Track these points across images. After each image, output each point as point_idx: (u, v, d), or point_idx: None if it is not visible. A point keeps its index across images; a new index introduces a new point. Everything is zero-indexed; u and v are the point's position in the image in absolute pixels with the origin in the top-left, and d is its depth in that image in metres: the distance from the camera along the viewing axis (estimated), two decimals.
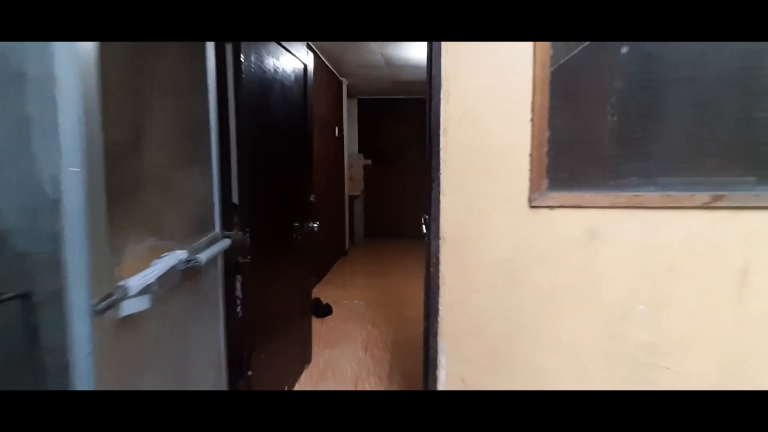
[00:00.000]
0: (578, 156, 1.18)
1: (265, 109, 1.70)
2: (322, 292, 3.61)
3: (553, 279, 1.20)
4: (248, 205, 1.52)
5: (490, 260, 1.22)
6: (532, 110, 1.16)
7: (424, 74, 1.39)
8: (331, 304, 3.22)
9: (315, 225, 2.21)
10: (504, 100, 1.17)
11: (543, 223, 1.19)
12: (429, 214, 1.27)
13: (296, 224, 2.09)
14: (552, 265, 1.20)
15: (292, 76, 2.00)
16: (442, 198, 1.22)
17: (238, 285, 1.48)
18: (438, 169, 1.21)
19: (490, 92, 1.18)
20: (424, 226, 1.36)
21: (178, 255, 0.87)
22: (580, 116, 1.18)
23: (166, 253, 0.86)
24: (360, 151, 6.13)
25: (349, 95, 5.73)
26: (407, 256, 4.98)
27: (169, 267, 0.81)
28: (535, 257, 1.20)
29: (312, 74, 2.40)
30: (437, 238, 1.24)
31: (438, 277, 1.25)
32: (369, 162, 6.17)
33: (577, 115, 1.18)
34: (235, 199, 1.44)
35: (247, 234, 1.45)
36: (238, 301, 1.48)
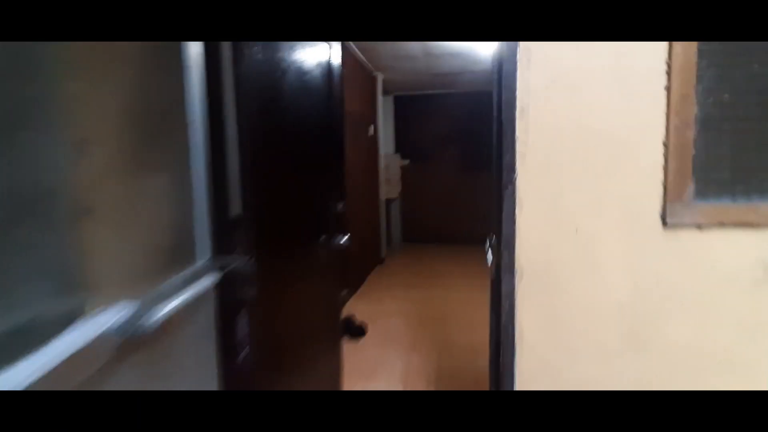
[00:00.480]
0: (750, 143, 0.73)
1: (277, 100, 1.37)
2: (355, 306, 3.27)
3: (702, 339, 0.76)
4: (254, 218, 1.19)
5: (597, 307, 0.79)
6: (669, 70, 0.72)
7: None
8: (365, 322, 2.87)
9: (345, 239, 1.86)
10: (619, 58, 0.74)
11: (686, 250, 0.75)
12: (497, 236, 0.87)
13: (322, 238, 1.76)
14: (701, 317, 0.76)
15: (315, 65, 1.67)
16: (518, 212, 0.82)
17: (241, 324, 1.15)
18: (512, 169, 0.81)
19: (594, 47, 0.75)
20: (488, 251, 0.96)
21: (100, 323, 0.53)
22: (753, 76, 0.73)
23: (81, 319, 0.53)
24: (396, 151, 5.76)
25: (384, 92, 5.38)
26: (449, 264, 4.54)
27: (75, 351, 0.48)
28: (671, 303, 0.76)
29: (339, 64, 2.06)
30: (511, 271, 0.83)
31: (512, 329, 0.84)
32: (406, 162, 5.79)
33: (748, 75, 0.73)
34: (236, 212, 1.11)
35: (253, 258, 1.13)
36: (242, 346, 1.14)
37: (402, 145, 5.76)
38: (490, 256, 0.95)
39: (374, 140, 4.45)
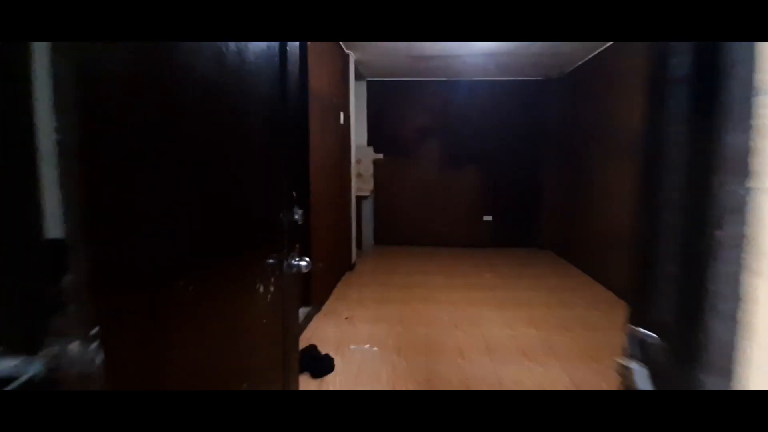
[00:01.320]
0: None
1: (182, 91, 0.78)
2: (320, 329, 2.72)
3: None
4: (95, 248, 0.60)
5: None
6: None
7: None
8: (333, 352, 2.32)
9: (304, 263, 1.31)
10: None
11: None
12: (674, 334, 0.35)
13: (270, 261, 1.20)
14: None
15: (263, 46, 1.09)
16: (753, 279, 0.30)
17: None
18: (743, 193, 0.29)
19: None
20: (623, 369, 0.43)
21: None
22: None
23: None
24: (370, 143, 5.21)
25: (357, 76, 4.80)
26: (428, 270, 4.08)
27: None
28: None
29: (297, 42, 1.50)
30: None
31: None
32: (380, 156, 5.26)
33: None
34: (55, 233, 0.52)
35: (94, 336, 0.53)
36: None
37: (376, 137, 5.22)
38: (623, 375, 0.43)
39: (346, 129, 3.88)
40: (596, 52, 3.90)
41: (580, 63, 4.27)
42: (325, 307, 3.09)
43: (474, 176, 5.17)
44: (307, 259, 1.33)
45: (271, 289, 1.19)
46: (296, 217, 1.34)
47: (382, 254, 4.86)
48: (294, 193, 1.34)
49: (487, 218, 5.22)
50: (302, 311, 2.78)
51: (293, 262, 1.31)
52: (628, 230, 3.26)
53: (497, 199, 5.17)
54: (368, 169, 5.21)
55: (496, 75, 4.86)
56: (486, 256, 4.81)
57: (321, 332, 2.66)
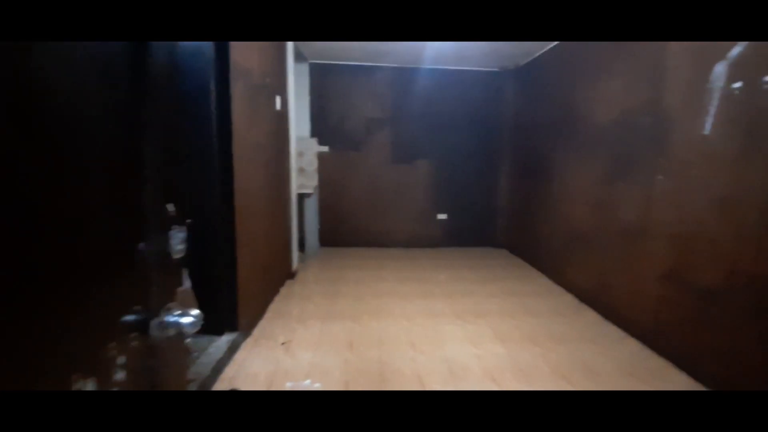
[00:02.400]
0: None
1: None
2: (249, 362, 2.20)
3: None
4: None
5: None
6: None
7: None
8: (266, 389, 1.82)
9: (188, 319, 0.81)
10: None
11: None
12: None
13: (126, 319, 0.71)
14: None
15: None
16: None
17: None
18: None
19: None
20: None
21: None
22: None
23: None
24: (313, 134, 4.67)
25: (298, 57, 4.23)
26: (381, 276, 3.67)
27: None
28: None
29: None
30: None
31: None
32: (325, 149, 4.74)
33: None
34: None
35: None
36: None
37: (320, 128, 4.69)
38: None
39: (283, 117, 3.33)
40: (553, 44, 3.69)
41: (537, 54, 4.06)
42: (256, 331, 2.56)
43: (427, 172, 4.83)
44: (196, 312, 0.84)
45: (117, 377, 0.69)
46: (174, 245, 0.84)
47: (329, 258, 4.37)
48: (172, 208, 0.84)
49: (442, 216, 4.92)
50: (225, 340, 2.24)
51: (169, 319, 0.81)
52: (590, 229, 3.07)
53: (452, 196, 4.89)
54: (312, 164, 4.67)
55: (450, 64, 4.54)
56: (441, 256, 4.50)
57: (249, 367, 2.14)
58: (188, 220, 1.95)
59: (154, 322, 0.78)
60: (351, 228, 4.86)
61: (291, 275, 3.61)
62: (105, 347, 0.65)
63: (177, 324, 0.81)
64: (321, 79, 4.59)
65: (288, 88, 3.41)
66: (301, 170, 4.67)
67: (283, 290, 3.31)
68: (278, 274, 3.30)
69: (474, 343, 2.46)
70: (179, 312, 0.83)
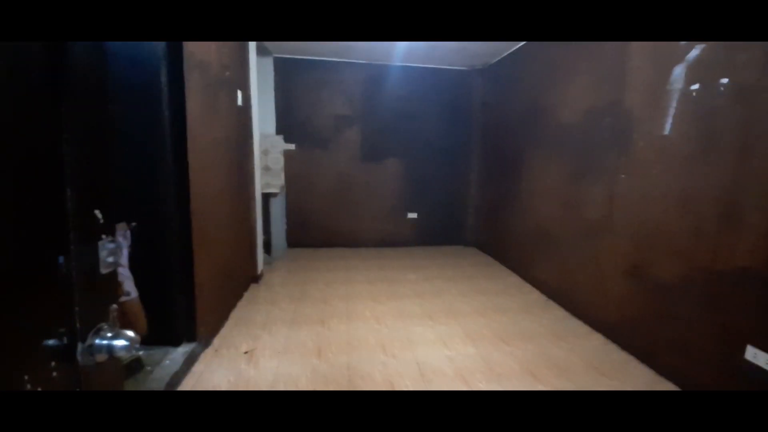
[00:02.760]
0: None
1: None
2: (207, 375, 2.06)
3: None
4: None
5: None
6: None
7: None
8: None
9: (121, 342, 0.70)
10: None
11: None
12: None
13: (48, 343, 0.60)
14: None
15: None
16: None
17: None
18: None
19: None
20: None
21: None
22: None
23: None
24: (279, 131, 4.50)
25: (261, 51, 4.06)
26: (349, 276, 3.58)
27: None
28: None
29: None
30: None
31: None
32: (292, 147, 4.58)
33: None
34: None
35: None
36: None
37: (287, 125, 4.53)
38: None
39: (246, 113, 3.17)
40: (521, 44, 3.73)
41: (505, 54, 4.09)
42: (216, 340, 2.41)
43: (397, 170, 4.78)
44: (130, 334, 0.73)
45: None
46: (104, 257, 0.72)
47: (296, 259, 4.23)
48: (100, 216, 0.72)
49: (412, 215, 4.89)
50: (182, 351, 2.09)
51: (99, 342, 0.70)
52: (556, 227, 3.12)
53: (422, 194, 4.87)
54: (278, 162, 4.51)
55: (420, 61, 4.51)
56: (411, 256, 4.47)
57: (208, 380, 2.00)
58: (133, 224, 1.79)
59: (81, 347, 0.67)
60: (319, 228, 4.74)
61: (256, 279, 3.45)
62: (18, 379, 0.54)
63: (109, 348, 0.70)
64: (287, 74, 4.43)
65: (250, 83, 3.24)
66: (266, 169, 4.50)
67: (247, 295, 3.15)
68: (242, 278, 3.14)
69: (445, 344, 2.43)
70: (111, 333, 0.71)
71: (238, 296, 3.03)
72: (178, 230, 2.08)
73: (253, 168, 3.33)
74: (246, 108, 3.18)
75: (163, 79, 1.97)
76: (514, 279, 3.73)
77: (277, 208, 4.29)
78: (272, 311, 2.86)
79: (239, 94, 2.99)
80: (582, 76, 2.81)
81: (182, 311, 2.14)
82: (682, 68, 1.99)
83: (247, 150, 3.21)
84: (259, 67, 4.08)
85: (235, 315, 2.77)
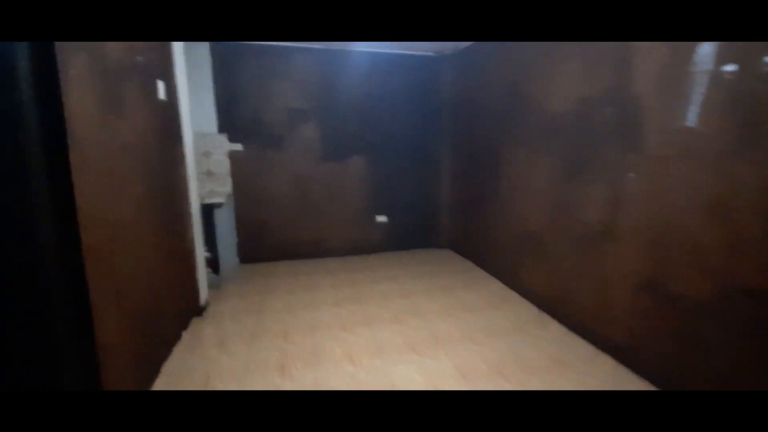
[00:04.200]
0: None
1: None
2: None
3: None
4: None
5: None
6: None
7: None
8: None
9: None
10: None
11: None
12: None
13: None
14: None
15: None
16: None
17: None
18: None
19: None
20: None
21: None
22: None
23: None
24: (222, 130, 3.85)
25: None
26: (315, 297, 3.06)
27: None
28: None
29: None
30: None
31: None
32: (238, 147, 3.94)
33: None
34: None
35: None
36: None
37: (231, 122, 3.88)
38: None
39: (170, 109, 2.53)
40: None
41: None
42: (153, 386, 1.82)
43: (363, 169, 4.28)
44: None
45: None
46: None
47: (251, 279, 3.64)
48: None
49: (381, 218, 4.42)
50: None
51: None
52: (545, 230, 2.77)
53: (391, 195, 4.40)
54: (222, 165, 3.86)
55: (382, 47, 4.00)
56: (382, 264, 4.01)
57: None
58: None
59: None
60: (276, 239, 4.15)
61: (199, 311, 2.85)
62: None
63: None
64: (228, 62, 3.77)
65: (176, 71, 2.60)
66: (208, 174, 3.84)
67: (186, 336, 2.55)
68: (178, 315, 2.53)
69: (436, 386, 1.99)
70: None
71: (174, 339, 2.43)
72: (64, 271, 1.47)
73: (186, 176, 2.70)
74: (172, 103, 2.54)
75: (22, 63, 1.34)
76: (497, 286, 3.38)
77: (225, 219, 3.66)
78: (218, 358, 2.29)
79: (160, 85, 2.35)
80: (575, 58, 2.43)
81: (77, 381, 1.54)
82: (711, 46, 1.63)
83: (175, 154, 2.58)
84: (191, 53, 3.40)
85: (168, 368, 2.17)
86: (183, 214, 2.66)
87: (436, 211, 4.58)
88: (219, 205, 3.50)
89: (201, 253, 2.95)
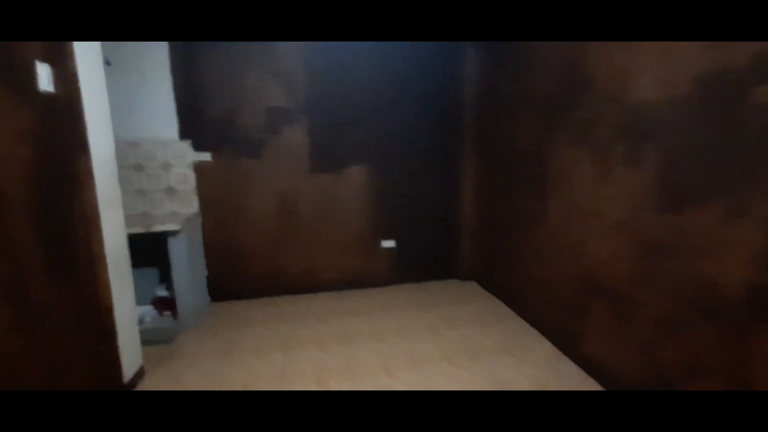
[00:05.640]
0: None
1: None
2: None
3: None
4: None
5: None
6: None
7: None
8: None
9: None
10: None
11: None
12: None
13: None
14: None
15: None
16: None
17: None
18: None
19: None
20: None
21: None
22: None
23: None
24: (185, 135, 3.05)
25: None
26: (302, 365, 2.20)
27: None
28: None
29: None
30: None
31: None
32: (207, 157, 3.14)
33: None
34: None
35: None
36: None
37: (195, 126, 3.08)
38: None
39: (64, 106, 1.72)
40: None
41: None
42: None
43: (363, 182, 3.41)
44: None
45: None
46: None
47: (217, 327, 2.81)
48: None
49: (388, 243, 3.54)
50: None
51: None
52: (628, 281, 1.83)
53: (400, 214, 3.52)
54: (186, 180, 3.07)
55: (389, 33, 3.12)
56: (392, 305, 3.12)
57: None
58: None
59: None
60: (256, 271, 3.32)
61: (126, 386, 2.02)
62: None
63: None
64: (190, 48, 2.98)
65: (75, 50, 1.79)
66: (169, 191, 3.05)
67: None
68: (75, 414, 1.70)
69: None
70: None
71: None
72: None
73: (95, 203, 1.88)
74: (68, 97, 1.73)
75: None
76: (545, 349, 2.44)
77: (188, 248, 2.84)
78: None
79: (42, 70, 1.55)
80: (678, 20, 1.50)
81: None
82: None
83: (75, 173, 1.77)
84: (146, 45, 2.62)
85: None
86: (90, 258, 1.84)
87: (456, 232, 3.67)
88: (173, 233, 2.69)
89: (128, 306, 2.13)
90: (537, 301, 2.65)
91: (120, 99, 2.83)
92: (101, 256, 1.89)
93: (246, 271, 3.30)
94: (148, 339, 2.61)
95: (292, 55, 3.13)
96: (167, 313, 2.94)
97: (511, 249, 2.97)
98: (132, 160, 2.95)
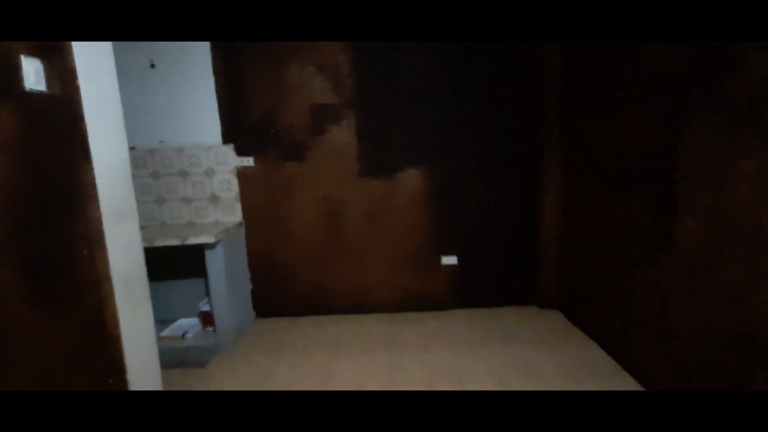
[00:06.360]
0: None
1: None
2: None
3: None
4: None
5: None
6: None
7: None
8: None
9: None
10: None
11: None
12: None
13: None
14: None
15: None
16: None
17: None
18: None
19: None
20: None
21: None
22: None
23: None
24: (227, 140, 2.85)
25: None
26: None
27: None
28: None
29: None
30: None
31: None
32: (249, 162, 2.90)
33: None
34: None
35: None
36: None
37: (236, 130, 2.86)
38: None
39: (61, 107, 1.50)
40: None
41: None
42: None
43: (421, 188, 2.92)
44: None
45: None
46: None
47: (254, 349, 2.54)
48: None
49: (449, 260, 3.00)
50: None
51: None
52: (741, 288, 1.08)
53: (463, 226, 2.96)
54: (230, 187, 2.87)
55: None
56: (451, 337, 2.59)
57: None
58: None
59: None
60: (300, 287, 3.01)
61: None
62: None
63: None
64: (230, 46, 2.76)
65: (73, 42, 1.58)
66: (213, 199, 2.87)
67: None
68: None
69: None
70: None
71: None
72: None
73: (95, 220, 1.66)
74: (66, 98, 1.52)
75: None
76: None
77: (221, 263, 2.62)
78: None
79: (29, 65, 1.34)
80: None
81: None
82: None
83: (76, 183, 1.55)
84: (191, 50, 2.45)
85: None
86: (94, 281, 1.62)
87: (534, 249, 2.99)
88: (210, 246, 2.48)
89: (145, 332, 1.91)
90: (656, 355, 1.91)
91: (163, 103, 2.71)
92: (106, 278, 1.67)
93: (289, 285, 3.01)
94: (183, 359, 2.42)
95: (338, 45, 2.76)
96: (210, 328, 2.75)
97: (614, 278, 2.25)
98: (177, 166, 2.83)
